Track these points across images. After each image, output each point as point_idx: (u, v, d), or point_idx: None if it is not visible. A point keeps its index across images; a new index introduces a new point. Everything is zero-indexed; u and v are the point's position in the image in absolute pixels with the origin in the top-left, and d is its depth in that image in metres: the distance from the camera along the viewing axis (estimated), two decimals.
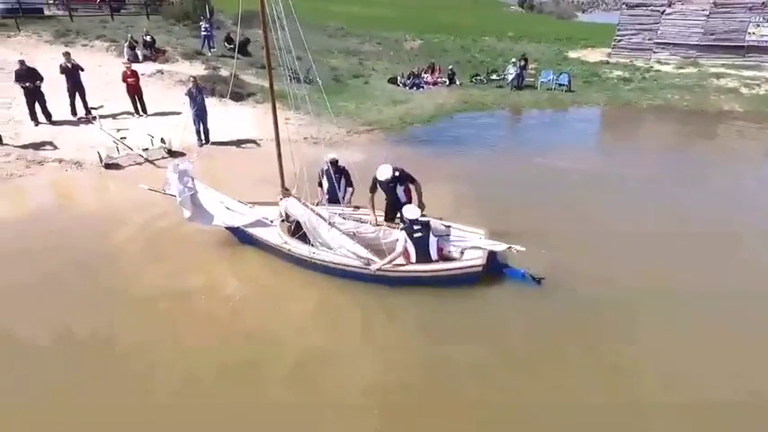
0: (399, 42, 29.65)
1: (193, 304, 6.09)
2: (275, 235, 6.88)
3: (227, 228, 7.25)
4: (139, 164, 10.62)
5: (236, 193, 8.18)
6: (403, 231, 6.36)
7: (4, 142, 10.67)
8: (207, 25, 18.99)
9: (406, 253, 6.32)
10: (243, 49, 19.85)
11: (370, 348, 5.42)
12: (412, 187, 7.04)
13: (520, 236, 6.77)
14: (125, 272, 6.71)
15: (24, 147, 10.75)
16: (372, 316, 5.97)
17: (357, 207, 7.49)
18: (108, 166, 10.31)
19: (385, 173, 6.81)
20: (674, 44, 23.80)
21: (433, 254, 6.29)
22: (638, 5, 24.18)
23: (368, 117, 15.05)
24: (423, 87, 19.78)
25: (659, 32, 23.97)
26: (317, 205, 7.31)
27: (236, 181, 9.36)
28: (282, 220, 7.18)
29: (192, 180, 7.01)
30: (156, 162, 10.74)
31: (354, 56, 24.58)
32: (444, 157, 11.69)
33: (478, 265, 6.26)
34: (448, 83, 20.49)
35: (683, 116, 17.04)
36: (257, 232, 7.01)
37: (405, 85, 19.68)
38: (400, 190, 7.02)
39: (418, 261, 6.26)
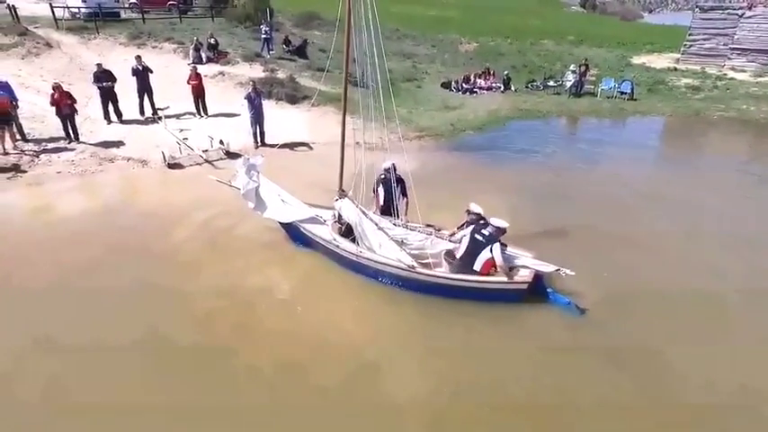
0: (454, 45, 29.40)
1: (248, 304, 6.33)
2: (326, 232, 7.11)
3: (281, 224, 7.57)
4: (199, 164, 11.11)
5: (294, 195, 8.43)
6: (472, 226, 6.36)
7: (80, 140, 11.48)
8: (267, 28, 19.57)
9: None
10: (301, 51, 20.36)
11: (413, 358, 5.45)
12: None
13: (574, 256, 6.58)
14: (185, 269, 7.03)
15: (97, 144, 11.52)
16: (416, 327, 5.98)
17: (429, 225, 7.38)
18: (171, 166, 10.85)
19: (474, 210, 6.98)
20: (753, 50, 22.16)
21: (478, 264, 6.16)
22: (712, 9, 22.72)
23: (419, 123, 15.00)
24: (476, 92, 19.51)
25: (736, 37, 22.40)
26: (375, 212, 7.39)
27: (287, 184, 9.58)
28: (335, 221, 7.36)
29: (258, 174, 7.39)
30: (214, 163, 11.21)
31: (408, 58, 24.57)
32: (497, 166, 11.49)
33: (523, 283, 6.16)
34: (503, 88, 20.09)
35: (759, 129, 15.84)
36: (310, 228, 7.26)
37: (458, 89, 19.47)
38: None
39: (461, 259, 6.24)
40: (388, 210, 7.44)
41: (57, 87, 11.08)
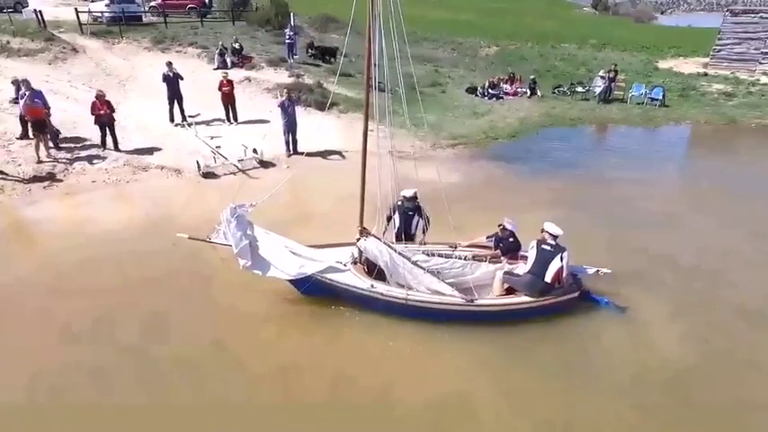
0: (474, 48, 29.04)
1: (303, 329, 6.08)
2: (356, 280, 6.25)
3: (288, 280, 6.31)
4: (234, 173, 10.88)
5: (324, 210, 8.04)
6: (535, 241, 6.20)
7: (120, 149, 11.30)
8: (291, 33, 19.34)
9: (520, 258, 6.46)
10: (326, 56, 20.17)
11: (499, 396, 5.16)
12: None
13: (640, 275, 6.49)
14: (234, 290, 6.71)
15: (129, 152, 11.32)
16: (491, 360, 5.69)
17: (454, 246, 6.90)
18: (205, 175, 10.63)
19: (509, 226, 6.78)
20: None
21: (549, 275, 5.98)
22: (744, 12, 22.23)
23: (450, 130, 14.70)
24: (502, 98, 19.15)
25: None
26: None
27: (326, 197, 9.34)
28: (354, 262, 6.51)
29: (252, 226, 6.30)
30: (248, 172, 10.97)
31: (428, 62, 24.21)
32: (539, 178, 11.12)
33: (575, 292, 6.33)
34: (529, 94, 19.72)
35: None
36: (334, 278, 6.25)
37: (484, 95, 19.14)
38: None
39: (530, 272, 6.07)
40: (399, 238, 6.85)
41: (99, 96, 10.92)
